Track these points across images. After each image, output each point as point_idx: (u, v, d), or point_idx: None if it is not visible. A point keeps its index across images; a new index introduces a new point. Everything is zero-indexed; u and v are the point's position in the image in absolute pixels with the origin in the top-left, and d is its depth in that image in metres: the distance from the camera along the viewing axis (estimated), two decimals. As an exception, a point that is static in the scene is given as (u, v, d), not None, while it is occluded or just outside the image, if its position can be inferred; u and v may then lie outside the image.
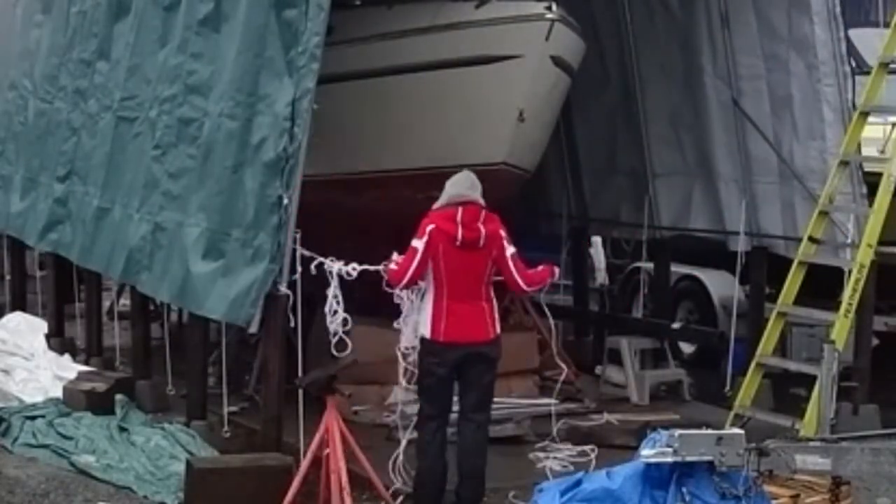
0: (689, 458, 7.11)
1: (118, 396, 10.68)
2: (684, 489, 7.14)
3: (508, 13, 10.94)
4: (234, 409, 10.48)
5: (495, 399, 9.29)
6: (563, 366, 10.16)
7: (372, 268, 9.02)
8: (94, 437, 9.84)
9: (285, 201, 8.76)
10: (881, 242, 10.74)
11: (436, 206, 8.81)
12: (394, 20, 11.77)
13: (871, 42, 12.44)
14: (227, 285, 9.18)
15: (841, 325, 10.38)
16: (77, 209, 12.08)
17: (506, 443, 10.33)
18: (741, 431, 7.38)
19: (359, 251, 9.76)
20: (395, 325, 8.91)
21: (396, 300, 8.85)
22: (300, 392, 9.06)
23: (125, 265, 10.81)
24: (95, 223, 11.52)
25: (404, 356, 8.83)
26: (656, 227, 13.84)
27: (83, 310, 13.15)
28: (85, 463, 9.44)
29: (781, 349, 12.25)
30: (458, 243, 8.60)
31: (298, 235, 9.09)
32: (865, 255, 10.56)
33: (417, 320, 8.75)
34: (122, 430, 10.04)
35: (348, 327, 8.83)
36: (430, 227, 8.62)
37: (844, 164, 11.15)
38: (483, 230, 8.63)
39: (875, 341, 11.70)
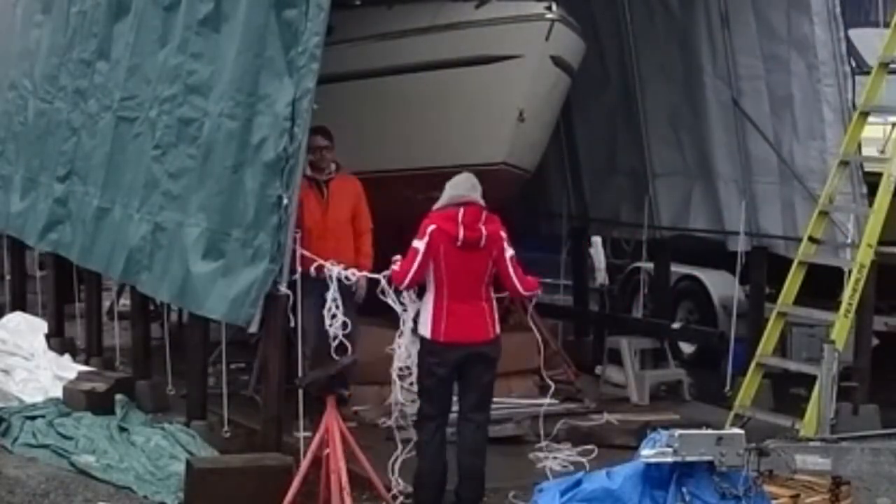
0: (689, 458, 7.11)
1: (118, 396, 10.68)
2: (684, 489, 7.14)
3: (508, 13, 10.94)
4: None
5: (495, 399, 9.30)
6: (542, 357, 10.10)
7: (373, 275, 9.04)
8: (94, 437, 9.84)
9: (285, 201, 8.76)
10: (881, 242, 10.74)
11: (436, 206, 8.80)
12: (394, 20, 11.78)
13: (871, 42, 12.44)
14: (227, 285, 9.18)
15: (841, 325, 10.38)
16: (77, 209, 12.08)
17: (506, 443, 10.34)
18: (741, 431, 7.38)
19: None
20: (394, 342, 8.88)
21: (395, 305, 8.81)
22: (300, 392, 9.07)
23: (125, 265, 10.81)
24: (95, 223, 11.52)
25: (400, 377, 8.79)
26: (656, 227, 13.84)
27: (83, 310, 13.15)
28: (85, 463, 9.44)
29: (781, 349, 12.25)
30: (459, 244, 8.59)
31: (298, 235, 9.10)
32: (865, 255, 10.56)
33: (411, 338, 8.74)
34: (122, 430, 10.04)
35: (348, 330, 8.80)
36: (430, 228, 8.61)
37: (844, 164, 11.15)
38: (484, 231, 8.63)
39: (875, 341, 11.69)
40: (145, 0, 10.94)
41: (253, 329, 9.05)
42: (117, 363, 12.59)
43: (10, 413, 10.41)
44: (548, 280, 15.41)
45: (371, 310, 9.93)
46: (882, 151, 12.02)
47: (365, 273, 10.24)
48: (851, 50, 11.81)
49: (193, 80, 9.98)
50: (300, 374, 9.11)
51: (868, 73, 11.59)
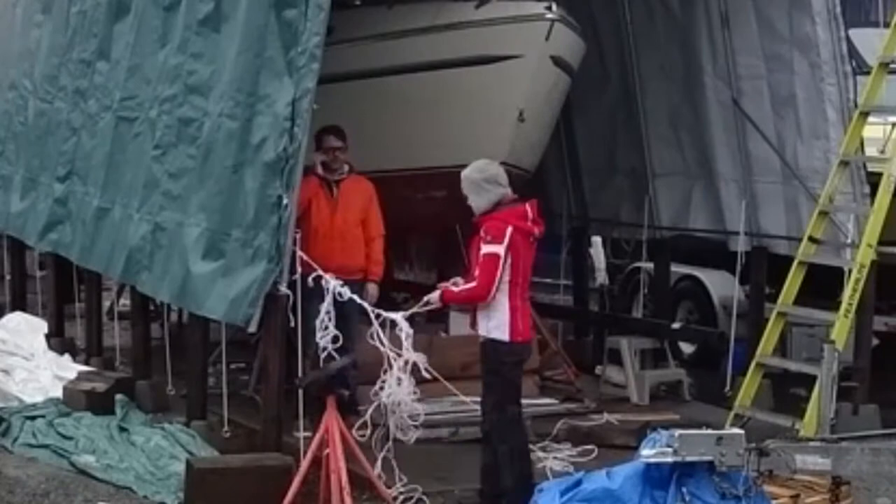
0: (689, 458, 7.11)
1: (118, 396, 10.67)
2: (684, 489, 7.13)
3: (508, 13, 10.95)
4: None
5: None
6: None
7: (388, 314, 8.66)
8: (94, 437, 9.83)
9: (285, 201, 8.76)
10: (881, 242, 10.73)
11: (486, 204, 8.59)
12: (394, 20, 11.78)
13: (871, 42, 12.44)
14: (227, 285, 9.17)
15: (841, 325, 10.38)
16: (77, 209, 12.08)
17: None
18: (741, 431, 7.38)
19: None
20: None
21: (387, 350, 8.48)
22: (300, 392, 9.07)
23: (125, 265, 10.81)
24: (95, 223, 11.52)
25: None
26: (656, 227, 13.84)
27: (83, 310, 13.15)
28: (85, 463, 9.43)
29: (781, 349, 12.26)
30: (532, 240, 8.57)
31: (298, 236, 9.09)
32: (865, 255, 10.56)
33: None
34: (122, 430, 10.03)
35: (339, 344, 8.73)
36: (510, 230, 8.43)
37: (844, 164, 11.15)
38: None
39: (875, 341, 11.69)
40: (145, 0, 10.94)
41: (253, 329, 9.04)
42: (117, 363, 12.59)
43: (10, 413, 10.41)
44: (548, 280, 15.45)
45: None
46: (882, 151, 12.02)
47: (376, 283, 10.29)
48: (851, 50, 11.81)
49: (193, 80, 9.98)
50: (300, 374, 9.11)
51: (868, 73, 11.59)
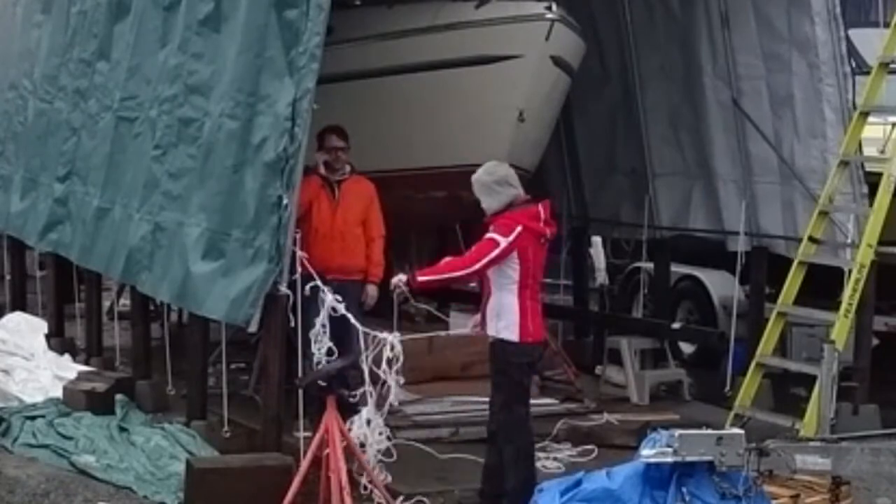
0: (689, 458, 7.12)
1: (118, 396, 10.67)
2: (684, 489, 7.14)
3: (508, 13, 10.95)
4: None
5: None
6: None
7: (381, 335, 8.52)
8: (94, 437, 9.83)
9: (285, 201, 8.76)
10: (881, 242, 10.74)
11: (498, 205, 8.55)
12: (394, 20, 11.79)
13: (871, 42, 12.44)
14: (228, 285, 9.17)
15: (841, 325, 10.38)
16: (77, 209, 12.08)
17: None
18: (741, 431, 7.38)
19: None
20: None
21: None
22: (300, 392, 9.07)
23: (125, 265, 10.81)
24: (95, 223, 11.52)
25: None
26: (656, 227, 13.84)
27: (83, 310, 13.14)
28: (85, 463, 9.43)
29: (781, 349, 12.25)
30: (543, 241, 8.57)
31: (298, 236, 9.09)
32: (865, 255, 10.56)
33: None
34: (122, 430, 10.03)
35: (334, 357, 8.69)
36: (518, 229, 8.40)
37: (844, 164, 11.15)
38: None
39: (875, 341, 11.69)
40: (145, 0, 10.94)
41: (253, 329, 9.05)
42: (117, 363, 12.59)
43: (10, 413, 10.40)
44: (548, 280, 15.44)
45: (375, 312, 9.96)
46: (882, 151, 12.02)
47: (375, 284, 10.28)
48: (851, 50, 11.82)
49: (194, 81, 9.98)
50: (300, 374, 9.11)
51: (868, 73, 11.59)
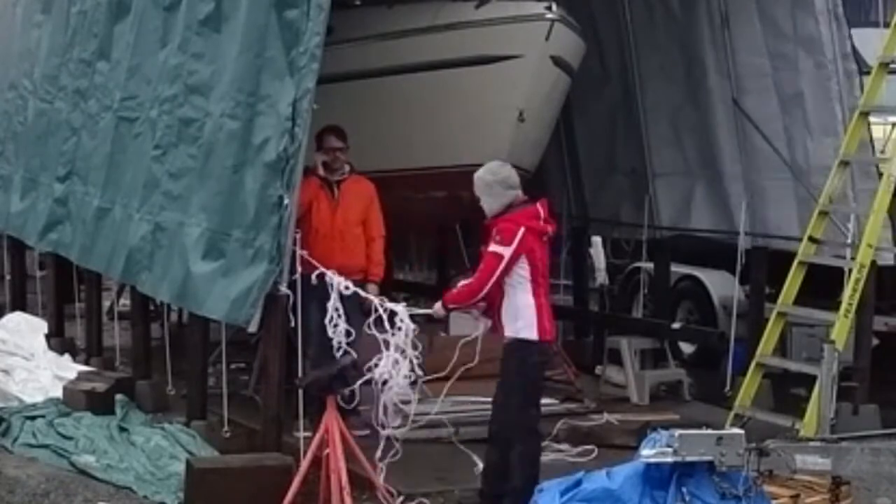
0: (689, 458, 7.11)
1: (118, 396, 10.68)
2: (684, 489, 7.14)
3: (508, 13, 10.96)
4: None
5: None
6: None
7: (390, 305, 8.64)
8: (94, 437, 9.83)
9: (286, 201, 8.76)
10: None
11: (499, 207, 8.55)
12: (394, 20, 11.80)
13: (871, 42, 12.44)
14: (228, 285, 9.18)
15: (841, 325, 10.38)
16: (77, 209, 12.08)
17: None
18: (741, 431, 7.38)
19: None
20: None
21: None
22: (300, 392, 9.07)
23: (125, 265, 10.81)
24: (96, 223, 11.53)
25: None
26: (656, 227, 13.84)
27: (83, 310, 13.15)
28: (85, 463, 9.43)
29: (781, 349, 12.24)
30: (545, 239, 8.58)
31: (298, 236, 9.09)
32: (865, 255, 10.55)
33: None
34: (122, 430, 10.03)
35: (352, 338, 8.72)
36: (521, 231, 8.40)
37: (844, 164, 11.15)
38: None
39: (875, 341, 11.69)
40: (145, 0, 10.94)
41: (253, 329, 9.05)
42: (117, 363, 12.59)
43: (10, 413, 10.41)
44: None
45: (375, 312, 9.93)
46: (882, 151, 12.02)
47: (376, 284, 10.30)
48: (852, 50, 11.84)
49: (194, 81, 9.98)
50: (300, 374, 9.11)
51: (868, 73, 11.60)
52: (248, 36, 9.34)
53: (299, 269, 9.02)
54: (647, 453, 7.17)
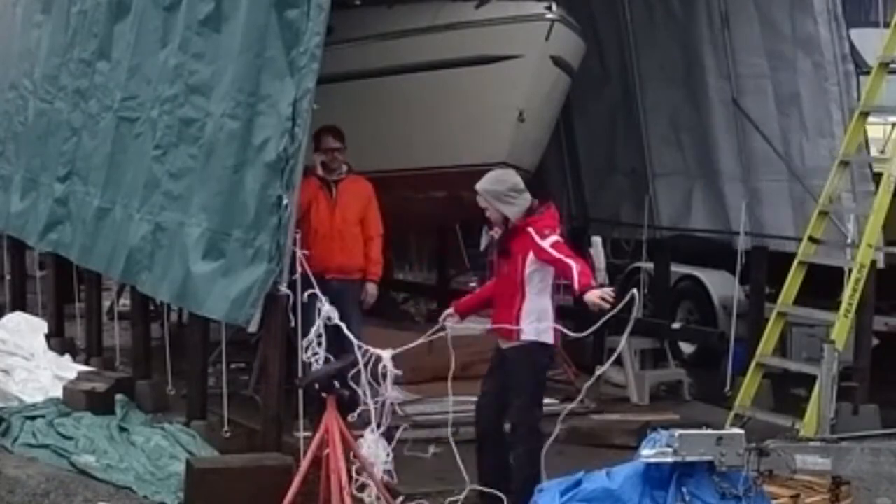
0: (689, 458, 7.11)
1: (118, 396, 10.68)
2: (684, 489, 7.13)
3: (508, 13, 10.96)
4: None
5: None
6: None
7: (375, 350, 8.47)
8: (94, 437, 9.83)
9: (285, 201, 8.76)
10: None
11: (520, 210, 8.53)
12: (394, 20, 11.79)
13: (871, 42, 12.45)
14: (228, 285, 9.18)
15: (841, 325, 10.38)
16: (77, 209, 12.08)
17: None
18: (741, 431, 7.38)
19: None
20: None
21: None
22: (300, 392, 9.06)
23: (125, 265, 10.81)
24: (96, 223, 11.53)
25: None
26: (656, 227, 13.84)
27: (83, 310, 13.15)
28: (85, 463, 9.43)
29: (781, 349, 12.25)
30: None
31: (298, 236, 9.09)
32: (865, 255, 10.56)
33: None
34: (122, 430, 10.03)
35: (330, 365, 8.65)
36: (557, 231, 8.48)
37: (844, 164, 11.15)
38: None
39: (875, 341, 11.69)
40: (146, 0, 10.94)
41: (253, 329, 9.05)
42: (117, 363, 12.59)
43: (10, 413, 10.41)
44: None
45: (375, 311, 9.94)
46: (882, 151, 12.03)
47: (375, 283, 10.29)
48: (852, 50, 11.82)
49: (194, 81, 9.98)
50: (300, 374, 9.11)
51: (868, 73, 11.60)
52: (248, 36, 9.34)
53: (299, 269, 9.02)
54: (647, 453, 7.17)
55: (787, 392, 11.95)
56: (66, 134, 12.53)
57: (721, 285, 14.13)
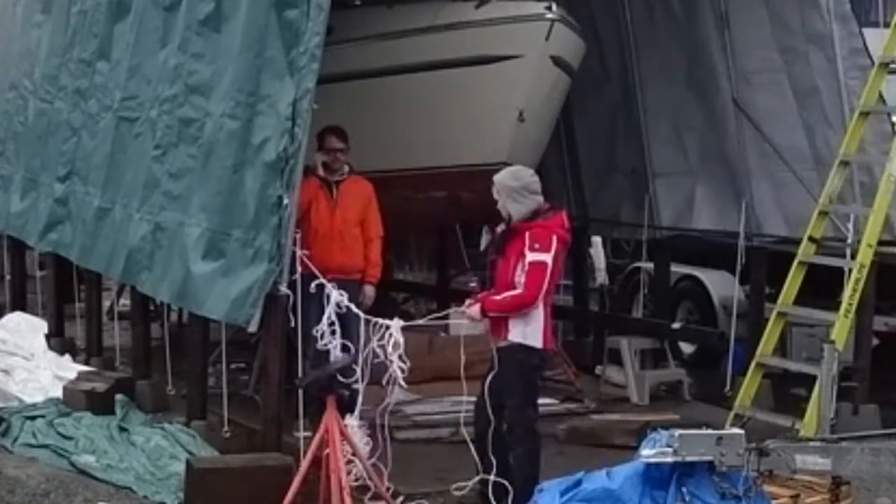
0: (689, 458, 7.11)
1: (118, 396, 10.67)
2: (684, 489, 7.14)
3: (508, 13, 10.96)
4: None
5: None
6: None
7: (383, 321, 8.59)
8: (94, 437, 9.83)
9: (285, 201, 8.76)
10: (881, 242, 10.73)
11: (526, 211, 8.48)
12: (394, 20, 11.80)
13: (871, 42, 12.45)
14: (228, 285, 9.17)
15: (841, 325, 10.38)
16: (77, 209, 12.08)
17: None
18: (741, 431, 7.38)
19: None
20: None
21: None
22: (300, 392, 9.07)
23: (125, 265, 10.81)
24: (96, 223, 11.53)
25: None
26: (656, 227, 13.85)
27: (83, 310, 13.15)
28: (85, 463, 9.43)
29: (781, 349, 12.25)
30: (566, 248, 8.63)
31: (298, 236, 9.09)
32: (865, 255, 10.55)
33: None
34: (122, 430, 10.03)
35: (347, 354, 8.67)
36: (554, 240, 8.42)
37: (844, 164, 11.15)
38: None
39: (875, 341, 11.69)
40: (146, 0, 10.94)
41: (253, 329, 9.05)
42: (117, 363, 12.59)
43: (10, 413, 10.41)
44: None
45: (375, 312, 9.91)
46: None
47: (373, 285, 10.30)
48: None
49: (194, 81, 9.98)
50: (300, 374, 9.11)
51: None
52: (248, 36, 9.33)
53: (299, 269, 9.02)
54: (647, 453, 7.17)
55: (787, 392, 11.95)
56: (66, 134, 12.53)
57: (721, 285, 14.14)
